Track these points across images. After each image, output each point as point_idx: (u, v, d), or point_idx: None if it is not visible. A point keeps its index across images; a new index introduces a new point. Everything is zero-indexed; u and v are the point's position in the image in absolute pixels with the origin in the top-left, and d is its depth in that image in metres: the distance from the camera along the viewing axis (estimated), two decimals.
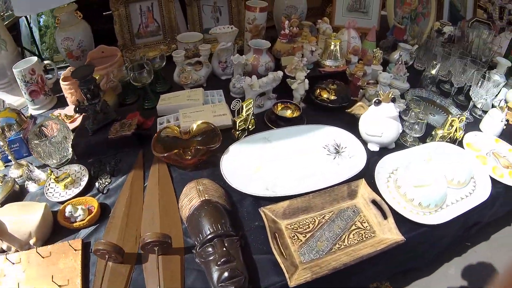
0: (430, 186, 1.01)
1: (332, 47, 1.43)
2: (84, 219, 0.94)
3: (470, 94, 1.38)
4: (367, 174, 1.08)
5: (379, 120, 1.13)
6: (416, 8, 1.94)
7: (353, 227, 0.95)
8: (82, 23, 1.42)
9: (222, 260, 0.77)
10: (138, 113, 1.20)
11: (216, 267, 0.77)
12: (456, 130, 1.21)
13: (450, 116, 1.20)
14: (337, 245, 0.91)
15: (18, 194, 1.04)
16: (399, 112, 1.23)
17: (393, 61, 1.71)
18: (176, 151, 1.03)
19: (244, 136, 1.18)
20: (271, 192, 1.00)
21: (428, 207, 0.99)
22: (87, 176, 1.06)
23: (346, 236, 0.93)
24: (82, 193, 1.04)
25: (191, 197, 0.95)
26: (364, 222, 0.96)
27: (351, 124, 1.23)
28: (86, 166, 1.09)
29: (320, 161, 1.14)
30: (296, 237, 0.92)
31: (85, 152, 1.15)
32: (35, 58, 1.28)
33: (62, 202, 0.99)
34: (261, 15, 1.50)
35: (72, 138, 1.13)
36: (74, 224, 0.94)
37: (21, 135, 1.13)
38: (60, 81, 1.29)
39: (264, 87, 1.28)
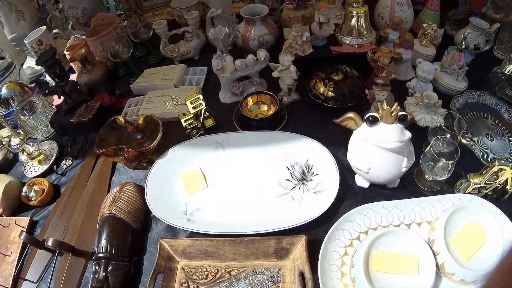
0: (401, 277, 0.59)
1: (353, 20, 0.92)
2: (36, 200, 0.89)
3: None
4: (327, 225, 0.70)
5: (369, 147, 0.69)
6: None
7: None
8: None
9: (96, 285, 0.67)
10: (106, 94, 1.03)
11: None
12: (506, 181, 0.67)
13: (496, 161, 0.67)
14: None
15: (10, 162, 1.05)
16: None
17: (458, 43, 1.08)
18: (111, 148, 0.85)
19: (199, 136, 0.90)
20: (184, 221, 0.74)
21: None
22: (55, 155, 1.00)
23: None
24: (48, 172, 0.97)
25: (105, 204, 0.80)
26: None
27: (346, 139, 0.78)
28: (61, 144, 1.03)
29: (273, 189, 0.78)
30: (186, 284, 0.67)
31: (61, 130, 1.06)
32: (43, 28, 1.22)
33: (35, 177, 0.95)
34: None
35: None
36: (30, 203, 0.90)
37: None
38: (65, 51, 1.19)
39: (243, 71, 0.92)
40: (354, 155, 0.73)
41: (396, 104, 0.67)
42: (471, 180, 0.71)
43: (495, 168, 0.67)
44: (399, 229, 0.67)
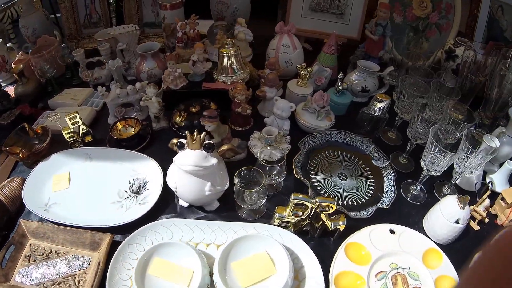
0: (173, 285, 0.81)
1: (225, 60, 1.20)
2: None
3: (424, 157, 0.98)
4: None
5: (177, 168, 0.92)
6: (428, 15, 1.33)
7: (69, 280, 0.91)
8: (38, 13, 1.64)
9: None
10: (27, 105, 1.37)
11: None
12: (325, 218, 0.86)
13: (292, 195, 0.84)
14: (44, 286, 0.90)
15: None
16: None
17: (349, 84, 1.31)
18: (10, 147, 1.17)
19: (79, 146, 1.21)
20: (41, 210, 1.03)
21: None
22: None
23: (58, 283, 0.90)
24: None
25: None
26: (79, 281, 0.90)
27: None
28: None
29: (112, 196, 1.06)
30: (28, 257, 0.96)
31: None
32: None
33: None
34: (170, 13, 1.37)
35: None
36: None
37: None
38: (12, 64, 1.57)
39: (124, 99, 1.23)
40: (168, 173, 0.99)
41: (203, 134, 0.88)
42: (276, 213, 0.89)
43: (293, 202, 0.83)
44: (181, 243, 0.86)
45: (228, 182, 0.98)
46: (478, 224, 0.99)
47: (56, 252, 0.97)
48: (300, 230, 0.92)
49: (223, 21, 1.43)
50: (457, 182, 1.09)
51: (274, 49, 1.36)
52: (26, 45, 1.76)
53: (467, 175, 1.01)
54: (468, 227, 0.97)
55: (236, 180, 0.92)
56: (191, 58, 1.24)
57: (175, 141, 1.00)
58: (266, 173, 0.99)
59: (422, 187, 1.08)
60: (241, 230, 0.91)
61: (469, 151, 0.91)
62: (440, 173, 0.97)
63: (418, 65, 1.22)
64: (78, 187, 1.11)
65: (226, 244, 0.84)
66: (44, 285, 0.90)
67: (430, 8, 1.34)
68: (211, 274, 0.82)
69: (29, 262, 0.95)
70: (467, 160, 0.96)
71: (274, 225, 0.91)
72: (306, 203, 0.85)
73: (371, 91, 1.35)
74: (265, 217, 0.98)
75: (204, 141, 0.89)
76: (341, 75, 1.27)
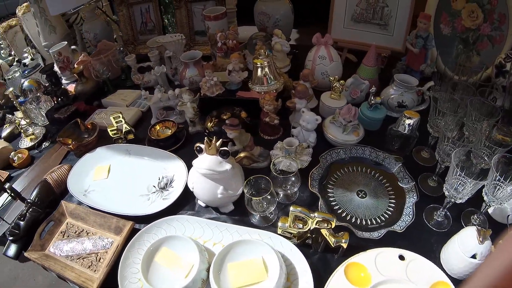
0: (174, 275, 0.90)
1: (259, 71, 1.27)
2: (17, 163, 1.41)
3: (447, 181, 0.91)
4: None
5: (195, 170, 1.01)
6: (479, 26, 1.24)
7: (92, 256, 1.04)
8: (99, 20, 1.86)
9: (18, 217, 1.13)
10: (82, 102, 1.58)
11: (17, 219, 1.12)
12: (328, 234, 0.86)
13: (291, 207, 0.86)
14: (71, 259, 1.05)
15: (16, 135, 1.59)
16: None
17: (386, 98, 1.30)
18: (63, 138, 1.37)
19: (122, 143, 1.36)
20: (81, 195, 1.19)
21: None
22: (41, 137, 1.53)
23: (82, 258, 1.04)
24: (32, 147, 1.50)
25: (48, 172, 1.28)
26: (100, 259, 1.03)
27: None
28: (48, 130, 1.57)
29: (141, 190, 1.18)
30: (63, 234, 1.12)
31: (51, 121, 1.60)
32: (64, 43, 1.82)
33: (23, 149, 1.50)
34: (214, 24, 1.47)
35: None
36: (13, 164, 1.42)
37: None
38: (75, 64, 1.80)
39: (165, 102, 1.36)
40: (189, 174, 1.08)
41: (219, 141, 0.95)
42: (279, 222, 0.91)
43: (292, 214, 0.85)
44: (187, 238, 0.93)
45: (242, 188, 1.04)
46: None
47: (86, 231, 1.12)
48: (303, 242, 0.94)
49: (263, 32, 1.51)
50: (489, 211, 1.04)
51: (311, 61, 1.40)
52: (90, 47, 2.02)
53: (498, 206, 0.96)
54: None
55: (246, 190, 0.97)
56: (227, 67, 1.33)
57: (197, 145, 1.10)
58: (281, 183, 1.04)
59: (448, 213, 1.03)
60: (246, 234, 0.97)
61: (500, 180, 0.86)
62: (463, 201, 0.93)
63: (460, 80, 1.17)
64: (115, 178, 1.26)
65: (226, 245, 0.90)
66: (71, 258, 1.05)
67: (481, 18, 1.25)
68: (209, 270, 0.88)
69: (63, 237, 1.12)
70: (498, 189, 0.91)
71: (278, 234, 0.95)
72: (304, 216, 0.87)
73: (409, 106, 1.31)
74: (275, 225, 1.02)
75: (220, 147, 0.96)
76: (373, 89, 1.26)
